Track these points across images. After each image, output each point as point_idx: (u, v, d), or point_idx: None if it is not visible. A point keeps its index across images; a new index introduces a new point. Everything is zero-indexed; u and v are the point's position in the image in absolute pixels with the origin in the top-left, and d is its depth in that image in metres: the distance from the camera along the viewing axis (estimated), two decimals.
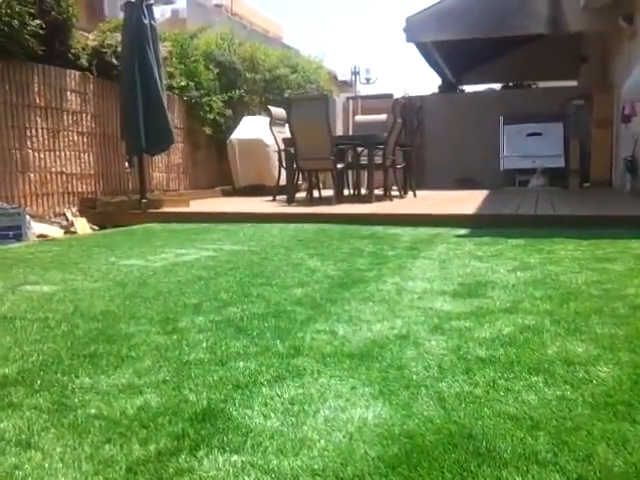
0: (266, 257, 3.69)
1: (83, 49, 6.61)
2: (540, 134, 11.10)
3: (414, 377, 1.60)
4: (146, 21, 6.18)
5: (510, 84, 14.70)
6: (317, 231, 4.87)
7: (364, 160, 7.13)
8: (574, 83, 14.27)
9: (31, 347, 1.96)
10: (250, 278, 3.03)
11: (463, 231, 4.64)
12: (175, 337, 2.04)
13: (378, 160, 6.99)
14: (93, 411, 1.46)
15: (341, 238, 4.43)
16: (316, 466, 1.17)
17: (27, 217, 5.29)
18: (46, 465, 1.20)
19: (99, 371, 1.73)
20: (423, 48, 11.42)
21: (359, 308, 2.33)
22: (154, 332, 2.10)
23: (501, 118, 11.43)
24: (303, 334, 2.02)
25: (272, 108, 8.17)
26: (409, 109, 7.99)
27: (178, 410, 1.44)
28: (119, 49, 6.63)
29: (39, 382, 1.65)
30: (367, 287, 2.74)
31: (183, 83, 8.24)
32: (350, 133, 11.32)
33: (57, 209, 6.27)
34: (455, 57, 12.42)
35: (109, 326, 2.20)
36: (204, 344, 1.95)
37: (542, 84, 14.85)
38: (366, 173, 7.34)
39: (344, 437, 1.28)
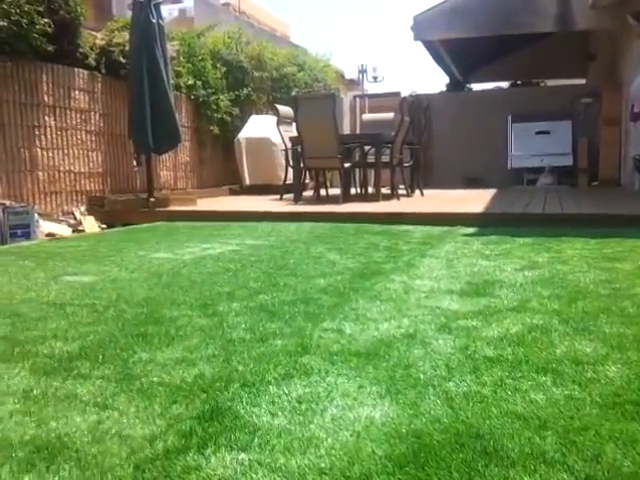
0: (287, 251, 3.86)
1: (91, 48, 6.63)
2: (548, 132, 11.04)
3: (421, 376, 1.59)
4: (154, 20, 6.20)
5: (518, 82, 14.64)
6: (332, 228, 5.02)
7: (371, 159, 7.12)
8: (582, 81, 14.19)
9: (86, 329, 2.16)
10: (275, 270, 3.22)
11: (471, 230, 4.63)
12: (216, 320, 2.23)
13: (385, 159, 6.98)
14: (156, 379, 1.65)
15: (356, 234, 4.57)
16: (323, 465, 1.17)
17: (35, 215, 5.32)
18: (124, 421, 1.39)
19: (153, 347, 1.92)
20: (430, 46, 11.38)
21: (366, 307, 2.33)
22: (196, 316, 2.30)
23: (509, 116, 11.38)
24: (330, 320, 2.18)
25: (279, 107, 8.18)
26: (416, 108, 7.98)
27: (230, 378, 1.63)
28: (127, 48, 6.65)
29: (101, 357, 1.84)
30: (385, 278, 2.90)
31: (190, 82, 8.26)
32: (357, 132, 11.31)
33: (65, 207, 6.30)
34: (463, 55, 12.38)
35: (153, 311, 2.38)
36: (243, 325, 2.14)
37: (550, 82, 14.77)
38: (373, 172, 7.33)
39: (351, 436, 1.28)
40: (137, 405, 1.47)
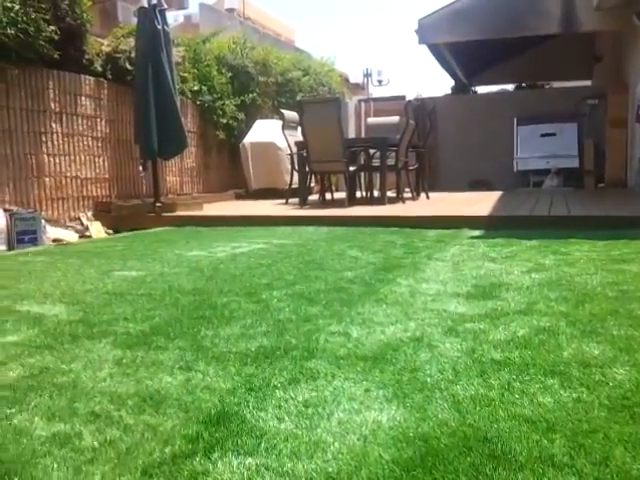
0: (311, 249, 4.11)
1: (97, 55, 6.66)
2: (554, 134, 11.02)
3: (428, 380, 1.59)
4: (159, 26, 6.23)
5: (523, 85, 14.61)
6: (347, 229, 5.20)
7: (376, 162, 7.12)
8: (588, 83, 14.16)
9: (149, 313, 2.43)
10: (304, 264, 3.47)
11: (477, 232, 4.62)
12: (262, 305, 2.49)
13: (391, 162, 6.98)
14: (225, 349, 1.91)
15: (372, 234, 4.76)
16: (330, 469, 1.17)
17: (42, 221, 5.34)
18: (208, 379, 1.66)
19: (214, 326, 2.19)
20: (435, 50, 11.39)
21: (372, 310, 2.32)
22: (244, 302, 2.56)
23: (515, 119, 11.36)
24: (357, 309, 2.38)
25: (284, 111, 8.19)
26: (422, 111, 7.97)
27: (287, 348, 1.90)
28: (133, 54, 6.68)
29: (172, 334, 2.11)
30: (407, 270, 3.16)
31: (196, 87, 8.29)
32: (362, 135, 11.32)
33: (72, 213, 6.33)
34: (467, 58, 12.38)
35: (205, 299, 2.64)
36: (287, 309, 2.40)
37: (556, 84, 14.74)
38: (378, 175, 7.33)
39: (358, 440, 1.28)
40: (215, 367, 1.75)
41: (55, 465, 1.22)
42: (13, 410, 1.50)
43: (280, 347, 1.91)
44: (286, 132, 7.87)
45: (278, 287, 2.82)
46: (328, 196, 7.61)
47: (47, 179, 6.03)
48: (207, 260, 3.75)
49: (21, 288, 3.05)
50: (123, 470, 1.19)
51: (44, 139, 6.00)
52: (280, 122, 8.13)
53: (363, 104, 12.94)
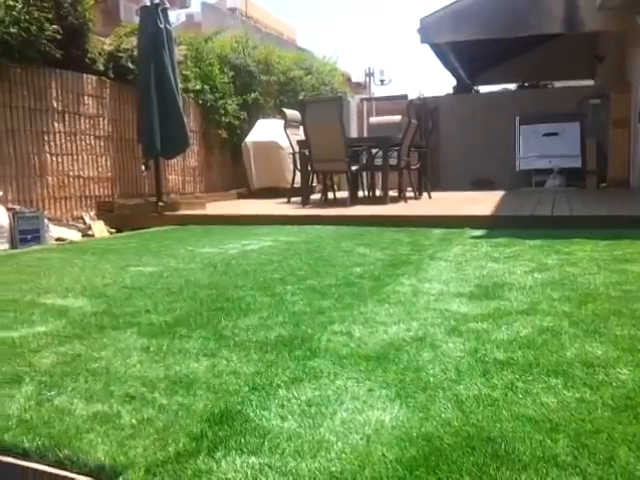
0: (319, 246, 4.20)
1: (100, 54, 6.67)
2: (556, 134, 11.00)
3: (431, 379, 1.59)
4: (161, 25, 6.23)
5: (526, 84, 14.59)
6: (352, 227, 5.26)
7: (379, 161, 7.11)
8: (590, 83, 14.13)
9: (170, 305, 2.53)
10: (314, 261, 3.55)
11: (479, 232, 4.61)
12: (277, 298, 2.58)
13: (393, 161, 6.97)
14: (245, 338, 2.02)
15: (378, 232, 4.83)
16: (334, 468, 1.17)
17: (45, 220, 5.35)
18: (232, 364, 1.77)
19: (233, 317, 2.29)
20: (437, 49, 11.37)
21: (375, 310, 2.32)
22: (259, 295, 2.65)
23: (517, 118, 11.34)
24: (366, 302, 2.49)
25: (286, 110, 8.19)
26: (424, 110, 7.97)
27: (303, 338, 1.99)
28: (135, 53, 6.68)
29: (193, 324, 2.22)
30: (413, 267, 3.23)
31: (198, 86, 8.29)
32: (364, 135, 11.31)
33: (75, 212, 6.34)
34: (470, 58, 12.37)
35: (221, 292, 2.75)
36: (301, 302, 2.49)
37: (558, 84, 14.72)
38: (381, 174, 7.32)
39: (361, 439, 1.28)
40: (238, 354, 1.86)
41: (99, 440, 1.33)
42: (53, 393, 1.60)
43: (298, 336, 2.01)
44: (288, 131, 7.87)
45: (290, 282, 2.91)
46: (330, 195, 7.60)
47: (50, 178, 6.04)
48: (219, 256, 3.86)
49: (42, 283, 3.15)
50: (164, 444, 1.29)
51: (47, 138, 6.01)
52: (282, 121, 8.13)
53: (365, 103, 12.93)
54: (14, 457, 1.31)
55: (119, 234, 5.79)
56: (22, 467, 1.29)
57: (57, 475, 1.25)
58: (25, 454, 1.31)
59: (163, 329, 2.17)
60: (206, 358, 1.84)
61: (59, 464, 1.27)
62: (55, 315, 2.43)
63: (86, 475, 1.23)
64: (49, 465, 1.27)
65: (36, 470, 1.27)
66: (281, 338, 1.99)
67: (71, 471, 1.24)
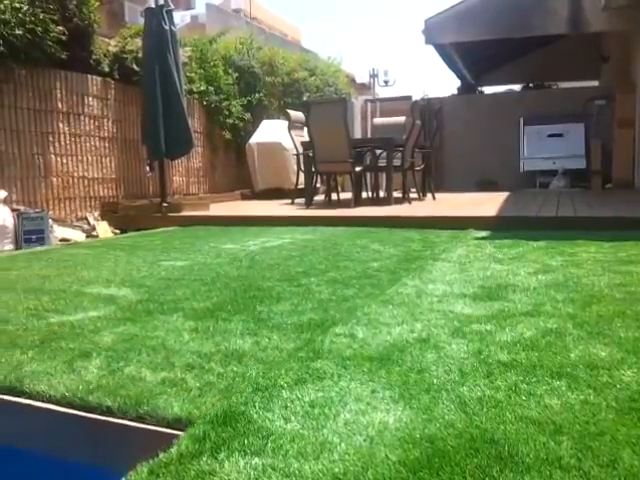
0: (335, 243, 4.39)
1: (104, 55, 6.69)
2: (561, 135, 10.98)
3: (435, 381, 1.59)
4: (166, 27, 6.25)
5: (530, 85, 14.56)
6: (363, 227, 5.40)
7: (383, 162, 7.11)
8: (595, 83, 14.09)
9: (207, 294, 2.74)
10: (332, 256, 3.75)
11: (483, 233, 4.61)
12: (303, 288, 2.79)
13: (397, 162, 6.97)
14: (281, 321, 2.23)
15: (389, 232, 4.96)
16: (337, 470, 1.17)
17: (50, 221, 5.37)
18: (273, 341, 1.98)
19: (266, 304, 2.50)
20: (442, 50, 11.36)
21: (378, 311, 2.32)
22: (286, 285, 2.85)
23: (521, 119, 11.32)
24: (386, 291, 2.66)
25: (291, 112, 8.20)
26: (428, 111, 7.97)
27: (333, 321, 2.19)
28: (140, 54, 6.70)
29: (232, 310, 2.42)
30: (426, 261, 3.42)
31: (203, 88, 8.30)
32: (369, 136, 11.31)
33: (79, 213, 6.36)
34: (474, 58, 12.34)
35: (251, 283, 2.96)
36: (326, 292, 2.69)
37: (563, 85, 14.68)
38: (385, 175, 7.32)
39: (365, 441, 1.27)
40: (277, 334, 2.06)
41: (172, 399, 1.54)
42: (121, 364, 1.82)
43: (328, 319, 2.21)
44: (292, 132, 7.88)
45: (313, 274, 3.12)
46: (334, 196, 7.60)
47: (54, 179, 6.06)
48: (242, 252, 4.05)
49: (82, 275, 3.35)
50: (228, 399, 1.50)
51: (51, 139, 6.03)
52: (286, 122, 8.13)
53: (369, 104, 12.93)
54: (99, 415, 1.52)
55: (134, 233, 5.81)
56: (107, 422, 1.50)
57: (138, 428, 1.46)
58: (109, 411, 1.52)
59: (205, 313, 2.38)
60: (249, 337, 2.04)
61: (140, 419, 1.48)
62: (104, 302, 2.64)
63: (165, 427, 1.43)
64: (131, 420, 1.48)
65: (120, 424, 1.48)
66: (313, 321, 2.20)
67: (151, 424, 1.45)
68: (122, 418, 1.49)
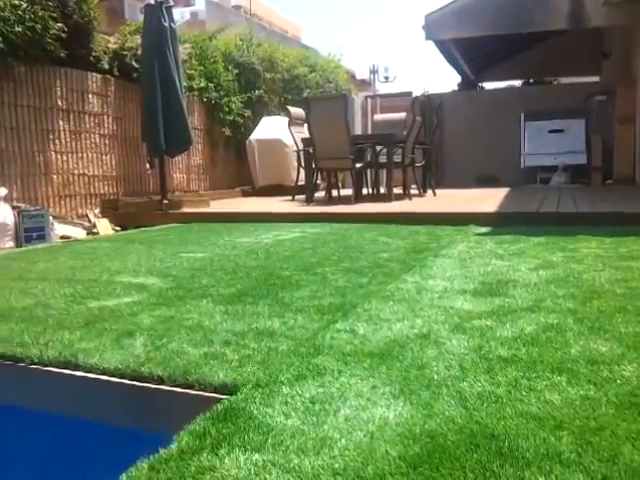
0: (345, 236, 4.54)
1: (104, 52, 6.68)
2: (562, 131, 10.96)
3: (435, 376, 1.59)
4: (166, 23, 6.24)
5: (531, 80, 14.53)
6: (365, 223, 5.44)
7: (383, 159, 7.10)
8: (596, 79, 14.06)
9: (231, 282, 2.90)
10: (344, 248, 3.90)
11: (484, 229, 4.60)
12: (320, 277, 2.95)
13: (397, 159, 6.96)
14: (303, 305, 2.39)
15: (396, 226, 5.04)
16: (337, 465, 1.17)
17: (50, 218, 5.37)
18: (299, 322, 2.15)
19: (288, 290, 2.67)
20: (442, 46, 11.33)
21: (379, 307, 2.32)
22: (304, 274, 3.02)
23: (522, 115, 11.30)
24: (392, 283, 2.76)
25: (291, 108, 8.19)
26: (428, 107, 7.95)
27: (352, 305, 2.36)
28: (139, 51, 6.69)
29: (256, 295, 2.59)
30: (433, 253, 3.55)
31: (202, 84, 8.29)
32: (369, 132, 11.30)
33: (79, 210, 6.35)
34: (474, 54, 12.32)
35: (270, 272, 3.11)
36: (341, 280, 2.86)
37: (563, 80, 14.65)
38: (385, 172, 7.31)
39: (365, 436, 1.28)
40: (302, 315, 2.23)
41: (216, 368, 1.71)
42: (164, 341, 1.99)
43: (346, 303, 2.38)
44: (292, 129, 7.87)
45: (328, 265, 3.27)
46: (334, 193, 7.60)
47: (55, 176, 6.06)
48: (257, 245, 4.22)
49: (109, 266, 3.51)
50: (266, 369, 1.68)
51: (51, 136, 6.02)
52: (286, 119, 8.12)
53: (370, 100, 12.91)
54: (151, 383, 1.69)
55: (145, 228, 5.82)
56: (159, 390, 1.67)
57: (189, 394, 1.63)
58: (160, 380, 1.69)
59: (232, 298, 2.55)
60: (277, 318, 2.21)
61: (189, 386, 1.64)
62: (135, 289, 2.81)
63: (212, 392, 1.60)
64: (180, 387, 1.65)
65: (169, 391, 1.66)
66: (333, 305, 2.36)
67: (199, 390, 1.62)
68: (172, 386, 1.66)
